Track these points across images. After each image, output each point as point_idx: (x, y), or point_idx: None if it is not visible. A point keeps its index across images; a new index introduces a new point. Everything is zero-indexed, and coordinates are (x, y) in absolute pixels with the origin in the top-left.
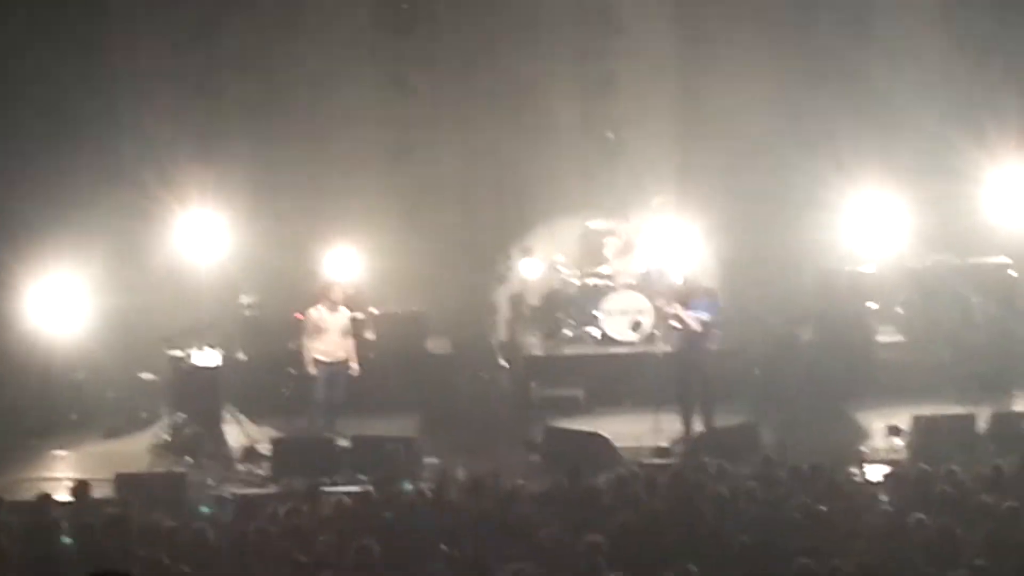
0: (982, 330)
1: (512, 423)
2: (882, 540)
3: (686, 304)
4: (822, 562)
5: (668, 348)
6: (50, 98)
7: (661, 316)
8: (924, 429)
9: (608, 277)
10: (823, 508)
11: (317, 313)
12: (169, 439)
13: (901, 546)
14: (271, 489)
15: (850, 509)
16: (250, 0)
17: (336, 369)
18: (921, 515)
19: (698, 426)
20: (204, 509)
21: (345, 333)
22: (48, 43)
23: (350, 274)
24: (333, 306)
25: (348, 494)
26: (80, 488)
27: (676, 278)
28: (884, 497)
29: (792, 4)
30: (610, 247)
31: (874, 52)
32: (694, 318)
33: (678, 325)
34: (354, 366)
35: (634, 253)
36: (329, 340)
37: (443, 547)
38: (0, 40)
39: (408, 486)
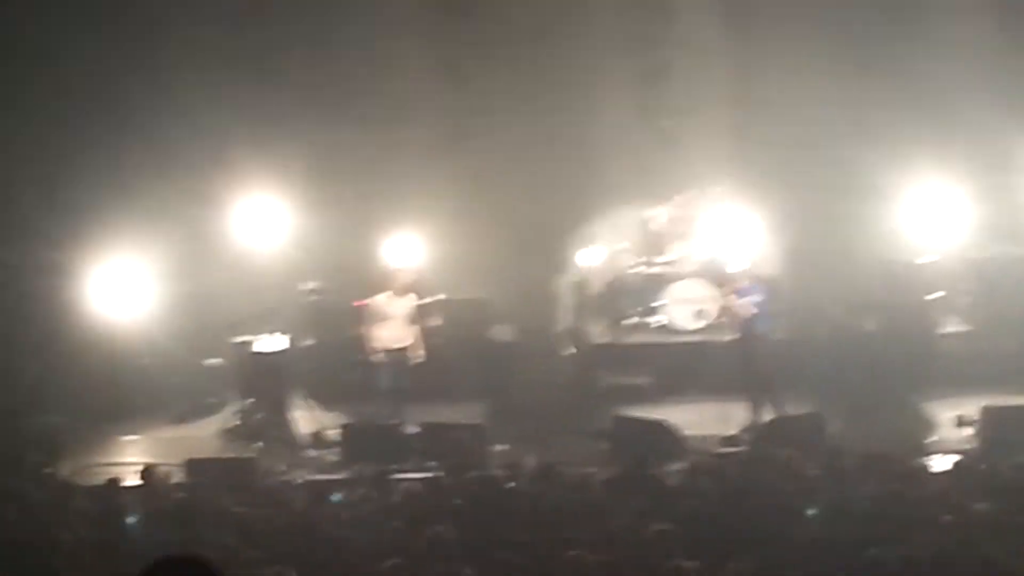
0: None
1: (579, 411)
2: (951, 530)
3: (740, 292)
4: (891, 553)
5: (730, 336)
6: (109, 84)
7: (723, 303)
8: (994, 419)
9: (672, 265)
10: (891, 498)
11: (382, 300)
12: (238, 424)
13: (970, 536)
14: (341, 475)
15: (919, 499)
16: None
17: (401, 356)
18: (989, 504)
19: (765, 415)
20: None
21: (410, 320)
22: (104, 28)
23: (413, 260)
24: (398, 293)
25: (418, 480)
26: (150, 473)
27: (735, 267)
28: (953, 487)
29: None
30: (672, 235)
31: (929, 41)
32: (745, 304)
33: (739, 309)
34: (419, 352)
35: (696, 241)
36: (394, 327)
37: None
38: (54, 28)
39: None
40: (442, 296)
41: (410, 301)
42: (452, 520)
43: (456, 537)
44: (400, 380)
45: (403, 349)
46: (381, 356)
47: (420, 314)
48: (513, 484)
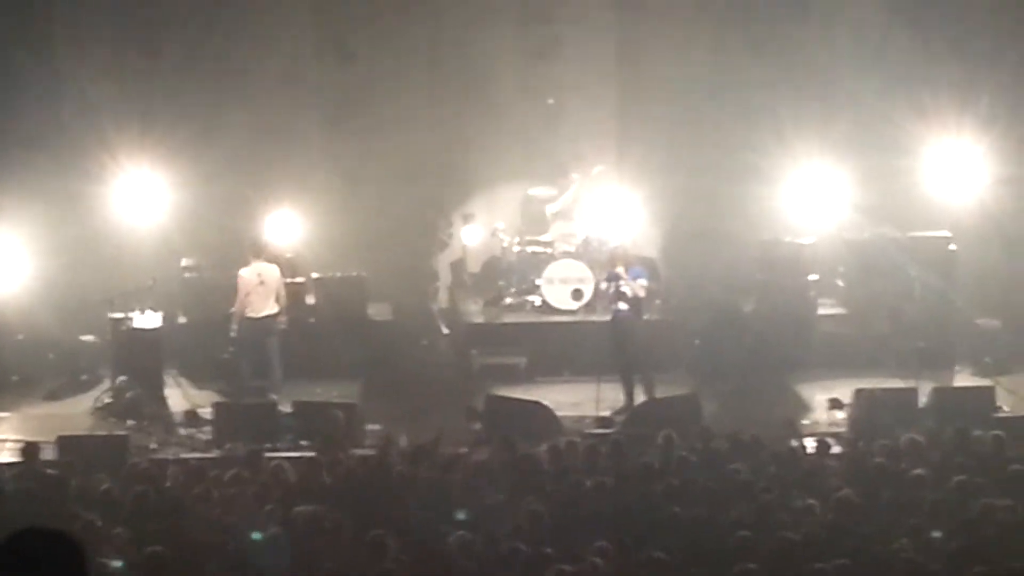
0: (922, 304)
1: (453, 391)
2: (821, 512)
3: (613, 269)
4: (763, 535)
5: (607, 317)
6: None
7: (608, 281)
8: (865, 403)
9: (548, 244)
10: (764, 480)
11: (248, 270)
12: (111, 401)
13: (839, 518)
14: (213, 453)
15: (791, 481)
16: None
17: (266, 324)
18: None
19: (639, 396)
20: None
21: (274, 288)
22: None
23: (290, 238)
24: (259, 261)
25: (290, 459)
26: (22, 450)
27: (615, 246)
28: (823, 469)
29: None
30: (551, 214)
31: (815, 24)
32: (640, 285)
33: (625, 291)
34: (282, 320)
35: (575, 221)
36: (259, 295)
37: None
38: None
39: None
40: (317, 274)
41: (275, 270)
42: (325, 499)
43: (328, 516)
44: (265, 348)
45: (269, 317)
46: (247, 325)
47: (284, 283)
48: (385, 463)
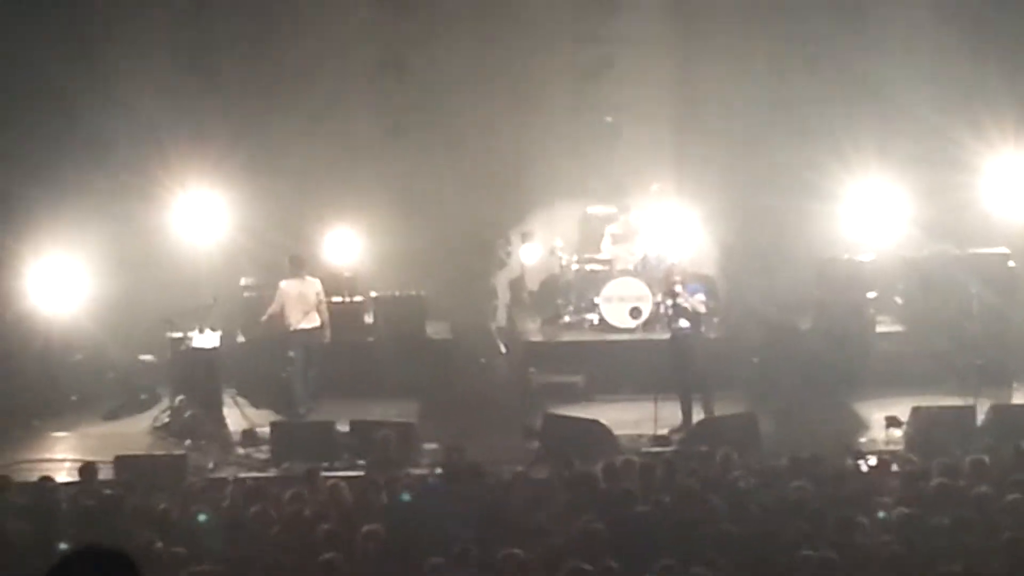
0: (981, 321)
1: (511, 409)
2: (881, 532)
3: (671, 287)
4: (824, 552)
5: (666, 335)
6: (44, 80)
7: (665, 297)
8: (923, 421)
9: (607, 263)
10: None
11: (291, 283)
12: (169, 421)
13: (899, 538)
14: (271, 472)
15: (849, 500)
16: None
17: (310, 338)
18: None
19: (697, 415)
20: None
21: (317, 302)
22: (40, 24)
23: (349, 256)
24: (301, 275)
25: (347, 479)
26: (80, 470)
27: (673, 263)
28: (882, 488)
29: None
30: (609, 233)
31: (872, 41)
32: (699, 300)
33: (685, 306)
34: (327, 333)
35: (634, 239)
36: (295, 309)
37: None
38: None
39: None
40: (376, 293)
41: (315, 284)
42: (382, 518)
43: (387, 536)
44: (310, 360)
45: (304, 330)
46: (291, 335)
47: (331, 300)
48: (444, 482)
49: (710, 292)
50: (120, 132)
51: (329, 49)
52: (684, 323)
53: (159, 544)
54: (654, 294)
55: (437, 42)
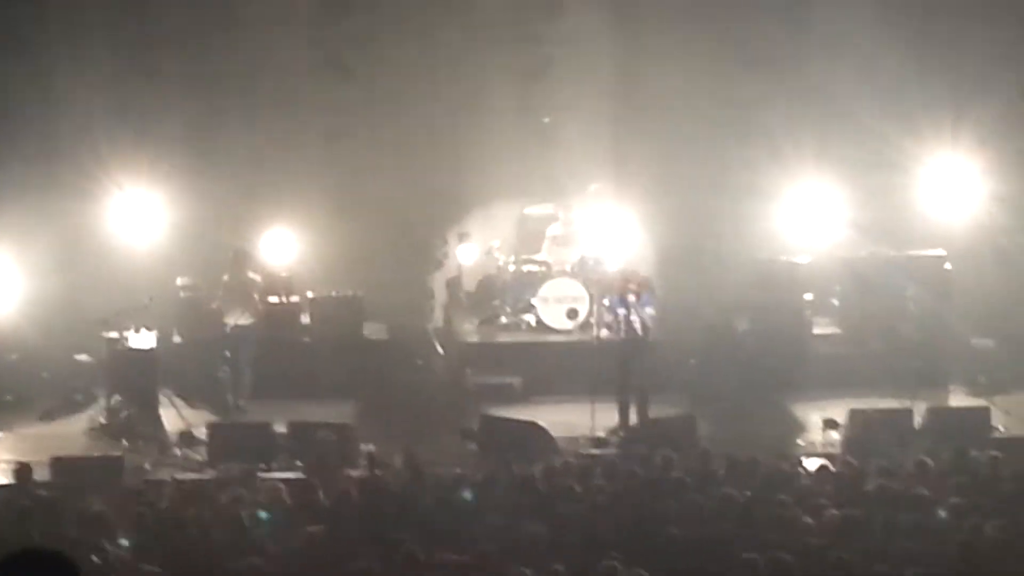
0: (917, 323)
1: (448, 411)
2: (816, 533)
3: (624, 294)
4: (761, 555)
5: (604, 336)
6: None
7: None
8: (860, 423)
9: (544, 264)
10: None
11: (227, 278)
12: (105, 422)
13: (834, 540)
14: (208, 474)
15: (786, 501)
16: None
17: (245, 332)
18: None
19: (635, 417)
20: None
21: (256, 297)
22: None
23: (286, 257)
24: (242, 272)
25: (284, 480)
26: (16, 471)
27: (629, 270)
28: (819, 490)
29: None
30: (549, 235)
31: (811, 42)
32: (649, 315)
33: (635, 322)
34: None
35: (571, 240)
36: (241, 304)
37: (381, 534)
38: None
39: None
40: (312, 293)
41: (256, 279)
42: (319, 520)
43: (323, 537)
44: (245, 355)
45: (248, 326)
46: (227, 334)
47: (268, 299)
48: (380, 484)
49: (651, 298)
50: (57, 129)
51: (269, 48)
52: (634, 332)
53: (96, 546)
54: (591, 295)
55: (377, 42)
